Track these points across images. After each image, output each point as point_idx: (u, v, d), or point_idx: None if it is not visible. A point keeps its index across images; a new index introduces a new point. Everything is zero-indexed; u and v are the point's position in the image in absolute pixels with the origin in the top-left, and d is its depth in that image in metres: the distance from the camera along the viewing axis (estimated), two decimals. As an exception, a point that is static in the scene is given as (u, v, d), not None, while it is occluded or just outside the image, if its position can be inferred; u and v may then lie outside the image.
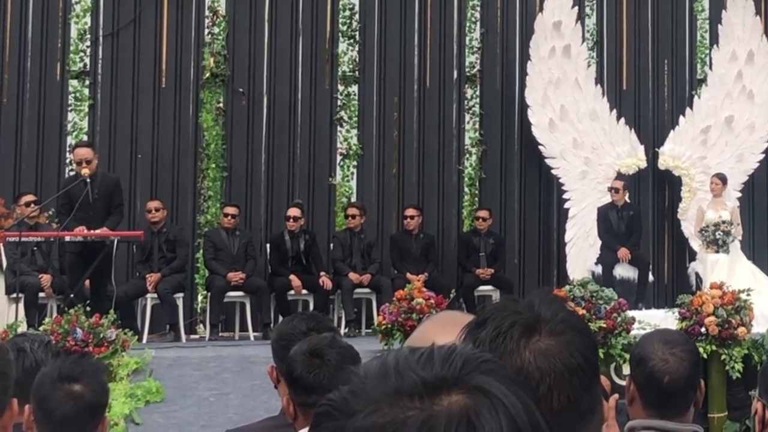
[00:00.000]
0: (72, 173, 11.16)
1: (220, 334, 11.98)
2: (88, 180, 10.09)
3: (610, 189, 12.91)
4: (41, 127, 12.38)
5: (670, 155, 13.70)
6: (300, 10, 13.14)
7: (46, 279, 10.82)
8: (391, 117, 13.33)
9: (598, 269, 12.63)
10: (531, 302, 1.56)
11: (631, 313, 9.71)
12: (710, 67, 14.04)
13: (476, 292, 12.54)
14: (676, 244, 13.91)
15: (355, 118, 13.31)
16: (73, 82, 12.67)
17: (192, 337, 11.91)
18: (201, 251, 12.33)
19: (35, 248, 10.93)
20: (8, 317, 9.44)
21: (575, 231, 13.38)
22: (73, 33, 12.65)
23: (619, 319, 9.46)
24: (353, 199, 13.12)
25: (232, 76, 12.93)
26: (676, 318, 9.55)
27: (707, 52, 14.18)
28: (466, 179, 13.60)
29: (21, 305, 9.95)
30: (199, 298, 12.57)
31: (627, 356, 8.32)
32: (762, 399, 2.85)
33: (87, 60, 12.69)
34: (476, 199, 13.57)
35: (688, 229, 13.45)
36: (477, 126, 13.67)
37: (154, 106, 12.65)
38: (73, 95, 12.63)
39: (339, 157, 13.26)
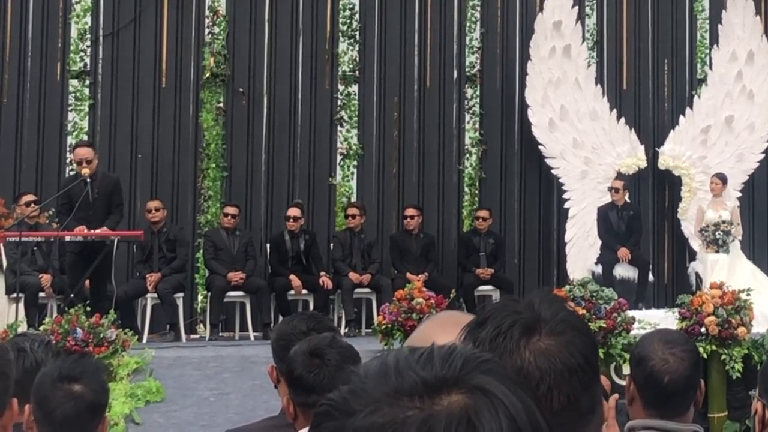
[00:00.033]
0: (72, 173, 11.16)
1: (220, 333, 11.98)
2: (88, 180, 10.09)
3: (610, 189, 12.91)
4: (41, 126, 12.38)
5: (670, 155, 13.70)
6: (300, 10, 13.14)
7: (46, 279, 10.82)
8: (391, 117, 13.33)
9: (598, 269, 12.63)
10: (531, 302, 1.56)
11: (631, 313, 9.71)
12: (710, 67, 14.04)
13: (476, 292, 12.54)
14: (676, 244, 13.91)
15: (355, 118, 13.31)
16: (74, 82, 12.67)
17: (192, 336, 11.91)
18: (201, 251, 12.33)
19: (35, 248, 10.93)
20: (8, 317, 9.44)
21: (575, 231, 13.39)
22: (74, 33, 12.65)
23: (619, 319, 9.46)
24: (353, 199, 13.12)
25: (232, 76, 12.93)
26: (676, 318, 9.55)
27: (707, 51, 14.18)
28: (466, 179, 13.60)
29: (21, 305, 9.95)
30: (199, 297, 12.57)
31: (627, 356, 8.32)
32: (762, 399, 2.85)
33: (87, 60, 12.69)
34: (476, 199, 13.57)
35: (688, 228, 13.45)
36: (477, 126, 13.67)
37: (154, 106, 12.65)
38: (73, 95, 12.63)
39: (339, 157, 13.26)
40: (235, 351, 10.32)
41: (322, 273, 11.94)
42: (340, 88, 13.33)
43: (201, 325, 12.33)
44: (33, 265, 10.90)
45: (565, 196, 13.46)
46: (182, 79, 12.77)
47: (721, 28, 13.99)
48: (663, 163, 13.72)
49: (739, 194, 13.65)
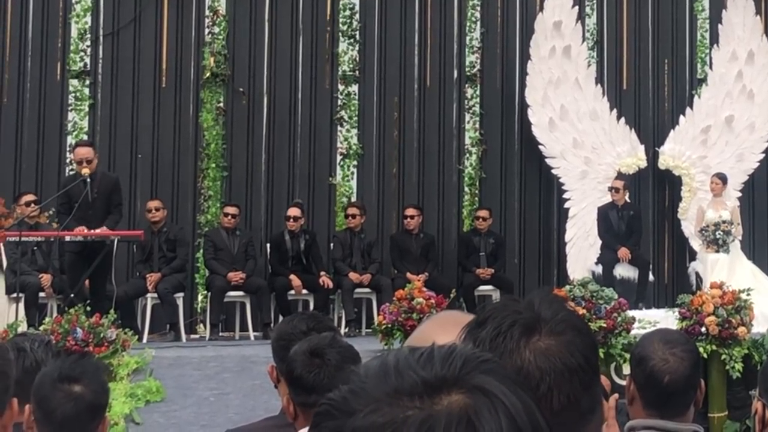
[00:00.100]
0: (72, 173, 11.16)
1: (221, 333, 11.98)
2: (88, 179, 10.09)
3: (611, 189, 12.91)
4: (41, 126, 12.38)
5: (670, 155, 13.70)
6: (300, 10, 13.14)
7: (46, 279, 10.82)
8: (391, 117, 13.33)
9: (599, 269, 12.63)
10: (531, 302, 1.56)
11: (631, 313, 9.71)
12: (710, 67, 14.04)
13: (476, 292, 12.54)
14: (676, 243, 13.91)
15: (356, 118, 13.31)
16: (74, 82, 12.67)
17: (192, 336, 11.91)
18: (201, 251, 12.33)
19: (35, 248, 10.93)
20: (8, 317, 9.44)
21: (575, 231, 13.39)
22: (74, 32, 12.65)
23: (620, 318, 9.46)
24: (353, 199, 13.12)
25: (232, 75, 12.93)
26: (676, 318, 9.55)
27: (707, 51, 14.18)
28: (466, 179, 13.60)
29: (21, 305, 9.95)
30: (200, 297, 12.57)
31: (627, 356, 8.32)
32: (762, 398, 2.85)
33: (87, 60, 12.69)
34: (476, 198, 13.57)
35: (689, 228, 13.46)
36: (477, 126, 13.67)
37: (154, 106, 12.65)
38: (73, 95, 12.63)
39: (339, 157, 13.26)
40: (235, 351, 10.32)
41: (322, 273, 11.94)
42: (340, 87, 13.34)
43: (201, 325, 12.33)
44: (33, 264, 10.90)
45: (565, 196, 13.47)
46: (182, 79, 12.77)
47: (721, 28, 14.00)
48: (663, 162, 13.72)
49: (740, 194, 13.65)
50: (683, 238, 13.75)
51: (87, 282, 10.37)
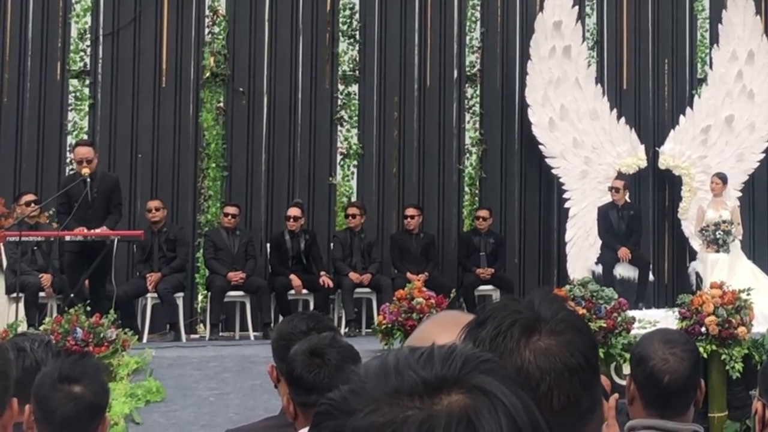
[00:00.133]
0: (71, 172, 11.15)
1: (221, 333, 11.98)
2: (88, 179, 10.10)
3: (611, 188, 12.91)
4: (41, 126, 12.38)
5: (670, 155, 13.70)
6: (300, 10, 13.14)
7: (46, 279, 10.82)
8: (391, 116, 13.33)
9: (599, 269, 12.63)
10: (531, 302, 1.56)
11: (631, 313, 9.71)
12: (710, 67, 14.05)
13: (476, 292, 12.53)
14: (676, 243, 13.91)
15: (356, 118, 13.31)
16: (74, 82, 12.67)
17: (192, 336, 11.91)
18: (201, 251, 12.34)
19: (35, 248, 10.93)
20: (8, 317, 9.44)
21: (575, 231, 13.39)
22: (74, 32, 12.64)
23: (620, 318, 9.46)
24: (353, 199, 13.12)
25: (232, 75, 12.92)
26: (676, 317, 9.55)
27: (707, 51, 14.18)
28: (466, 179, 13.60)
29: (21, 305, 9.95)
30: (200, 297, 12.57)
31: (627, 356, 8.32)
32: (762, 398, 2.85)
33: (87, 59, 12.69)
34: (476, 198, 13.57)
35: (689, 228, 13.46)
36: (477, 125, 13.67)
37: (154, 106, 12.65)
38: (73, 95, 12.63)
39: (339, 157, 13.26)
40: (235, 351, 10.32)
41: (323, 273, 11.94)
42: (340, 87, 13.33)
43: (201, 325, 12.33)
44: (33, 264, 10.90)
45: (565, 195, 13.47)
46: (182, 79, 12.77)
47: (722, 28, 14.00)
48: (663, 162, 13.72)
49: (740, 194, 13.65)
50: (683, 238, 13.75)
51: (86, 282, 10.37)
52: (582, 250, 13.27)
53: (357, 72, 13.38)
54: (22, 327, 8.96)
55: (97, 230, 10.18)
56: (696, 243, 13.01)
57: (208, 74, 12.84)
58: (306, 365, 3.02)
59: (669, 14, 14.14)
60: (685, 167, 13.70)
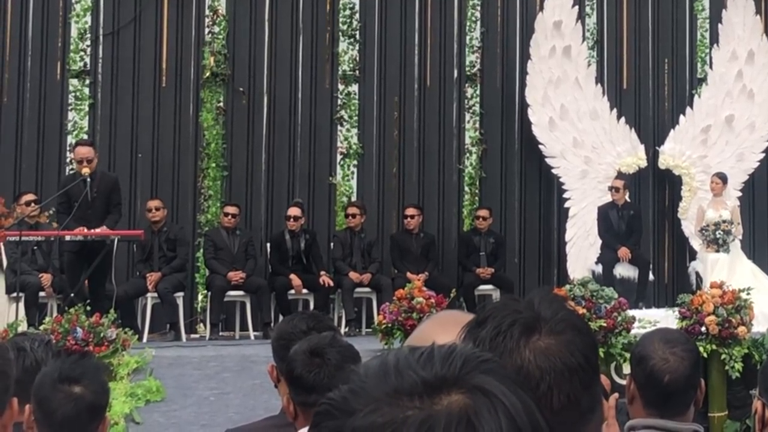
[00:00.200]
0: (71, 172, 11.15)
1: (221, 333, 11.98)
2: (88, 179, 10.10)
3: (611, 188, 12.91)
4: (41, 126, 12.38)
5: (670, 154, 13.70)
6: (300, 10, 13.14)
7: (46, 278, 10.82)
8: (391, 116, 13.33)
9: (599, 268, 12.63)
10: (531, 301, 1.56)
11: (631, 313, 9.71)
12: (710, 66, 14.05)
13: (476, 292, 12.53)
14: (676, 243, 13.91)
15: (356, 118, 13.31)
16: (74, 82, 12.67)
17: (192, 336, 11.91)
18: (201, 250, 12.34)
19: (35, 247, 10.92)
20: (8, 316, 9.45)
21: (575, 230, 13.39)
22: (74, 32, 12.64)
23: (620, 318, 9.46)
24: (353, 199, 13.12)
25: (232, 75, 12.92)
26: (676, 317, 9.55)
27: (707, 51, 14.18)
28: (466, 178, 13.60)
29: (21, 304, 9.95)
30: (200, 297, 12.57)
31: (627, 355, 8.32)
32: (762, 398, 2.85)
33: (87, 59, 12.69)
34: (476, 198, 13.57)
35: (689, 228, 13.46)
36: (477, 125, 13.67)
37: (154, 106, 12.65)
38: (73, 94, 12.63)
39: (339, 157, 13.26)
40: (235, 350, 10.32)
41: (323, 272, 11.94)
42: (340, 87, 13.33)
43: (201, 325, 12.33)
44: (33, 264, 10.90)
45: (565, 195, 13.47)
46: (182, 79, 12.77)
47: (722, 28, 14.00)
48: (663, 162, 13.72)
49: (740, 194, 13.65)
50: (683, 238, 13.75)
51: (86, 281, 10.37)
52: (582, 250, 13.28)
53: (357, 72, 13.38)
54: (22, 327, 8.96)
55: (97, 230, 10.19)
56: (696, 243, 13.01)
57: (208, 74, 12.84)
58: (306, 365, 3.02)
59: (669, 14, 14.14)
60: (685, 167, 13.70)
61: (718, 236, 12.17)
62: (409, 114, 13.36)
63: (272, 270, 12.09)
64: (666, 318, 9.76)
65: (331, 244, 12.48)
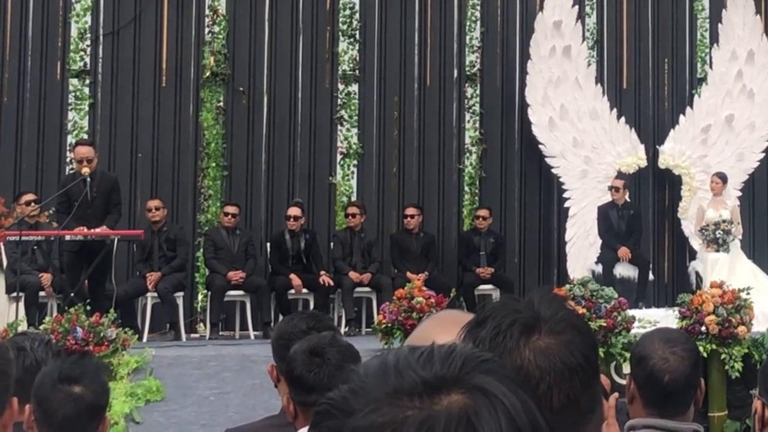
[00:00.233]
0: (71, 172, 11.15)
1: (221, 333, 11.98)
2: (88, 179, 10.10)
3: (611, 188, 12.91)
4: (41, 126, 12.38)
5: (670, 154, 13.70)
6: (300, 10, 13.14)
7: (46, 278, 10.82)
8: (391, 116, 13.33)
9: (599, 268, 12.63)
10: (531, 301, 1.56)
11: (631, 312, 9.71)
12: (710, 66, 14.05)
13: (476, 291, 12.53)
14: (676, 243, 13.91)
15: (356, 117, 13.31)
16: (74, 81, 12.67)
17: (192, 336, 11.91)
18: (201, 250, 12.34)
19: (35, 247, 10.92)
20: (8, 316, 9.45)
21: (575, 230, 13.39)
22: (74, 32, 12.64)
23: (620, 318, 9.46)
24: (353, 198, 13.12)
25: (232, 75, 12.92)
26: (676, 317, 9.55)
27: (707, 51, 14.18)
28: (466, 178, 13.60)
29: (21, 304, 9.95)
30: (200, 297, 12.57)
31: (627, 355, 8.32)
32: (762, 398, 2.85)
33: (87, 59, 12.69)
34: (476, 198, 13.57)
35: (689, 228, 13.45)
36: (477, 125, 13.67)
37: (154, 105, 12.65)
38: (73, 94, 12.63)
39: (339, 156, 13.26)
40: (235, 350, 10.32)
41: (323, 272, 11.94)
42: (340, 87, 13.33)
43: (201, 324, 12.33)
44: (33, 264, 10.90)
45: (565, 195, 13.47)
46: (182, 79, 12.77)
47: (721, 27, 14.00)
48: (663, 162, 13.72)
49: (740, 193, 13.65)
50: (683, 238, 13.75)
51: (86, 281, 10.37)
52: (582, 250, 13.28)
53: (357, 72, 13.38)
54: (22, 326, 8.96)
55: (97, 230, 10.19)
56: (696, 242, 13.01)
57: (208, 74, 12.84)
58: (306, 364, 3.02)
59: (669, 14, 14.14)
60: (685, 167, 13.70)
61: (718, 236, 12.17)
62: (409, 114, 13.36)
63: (272, 270, 12.09)
64: (666, 318, 9.76)
65: (331, 243, 12.48)
